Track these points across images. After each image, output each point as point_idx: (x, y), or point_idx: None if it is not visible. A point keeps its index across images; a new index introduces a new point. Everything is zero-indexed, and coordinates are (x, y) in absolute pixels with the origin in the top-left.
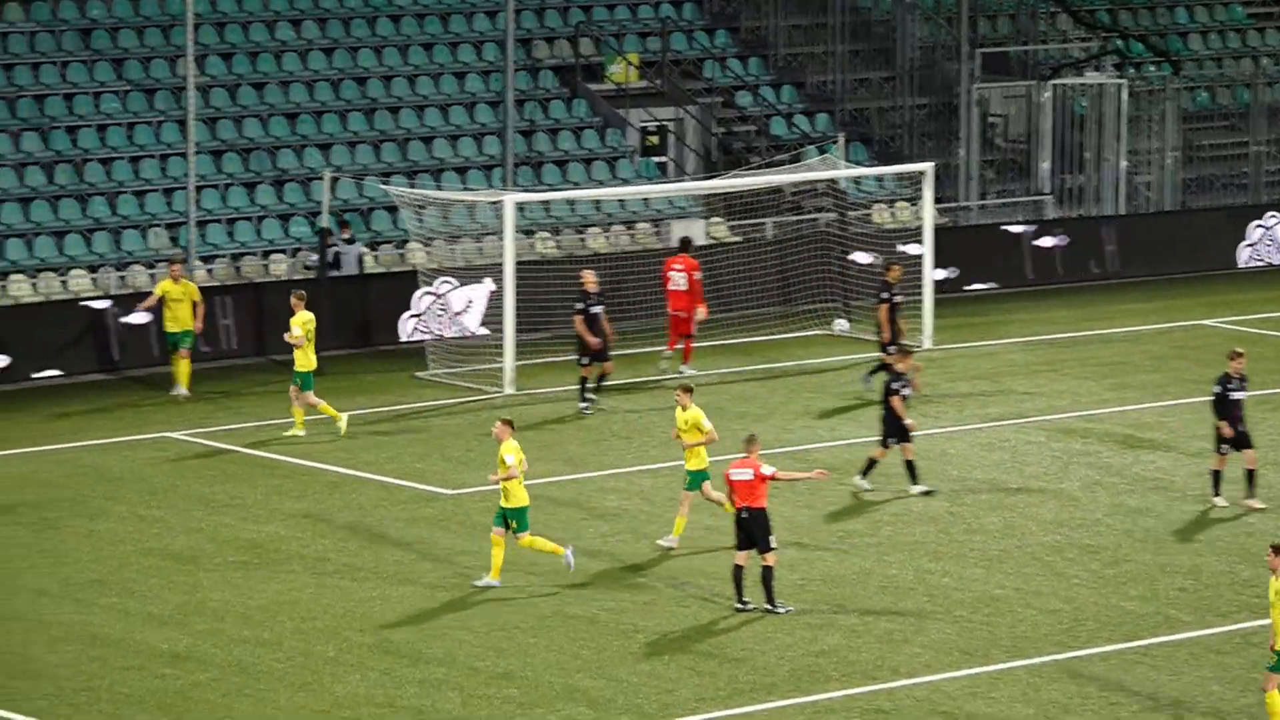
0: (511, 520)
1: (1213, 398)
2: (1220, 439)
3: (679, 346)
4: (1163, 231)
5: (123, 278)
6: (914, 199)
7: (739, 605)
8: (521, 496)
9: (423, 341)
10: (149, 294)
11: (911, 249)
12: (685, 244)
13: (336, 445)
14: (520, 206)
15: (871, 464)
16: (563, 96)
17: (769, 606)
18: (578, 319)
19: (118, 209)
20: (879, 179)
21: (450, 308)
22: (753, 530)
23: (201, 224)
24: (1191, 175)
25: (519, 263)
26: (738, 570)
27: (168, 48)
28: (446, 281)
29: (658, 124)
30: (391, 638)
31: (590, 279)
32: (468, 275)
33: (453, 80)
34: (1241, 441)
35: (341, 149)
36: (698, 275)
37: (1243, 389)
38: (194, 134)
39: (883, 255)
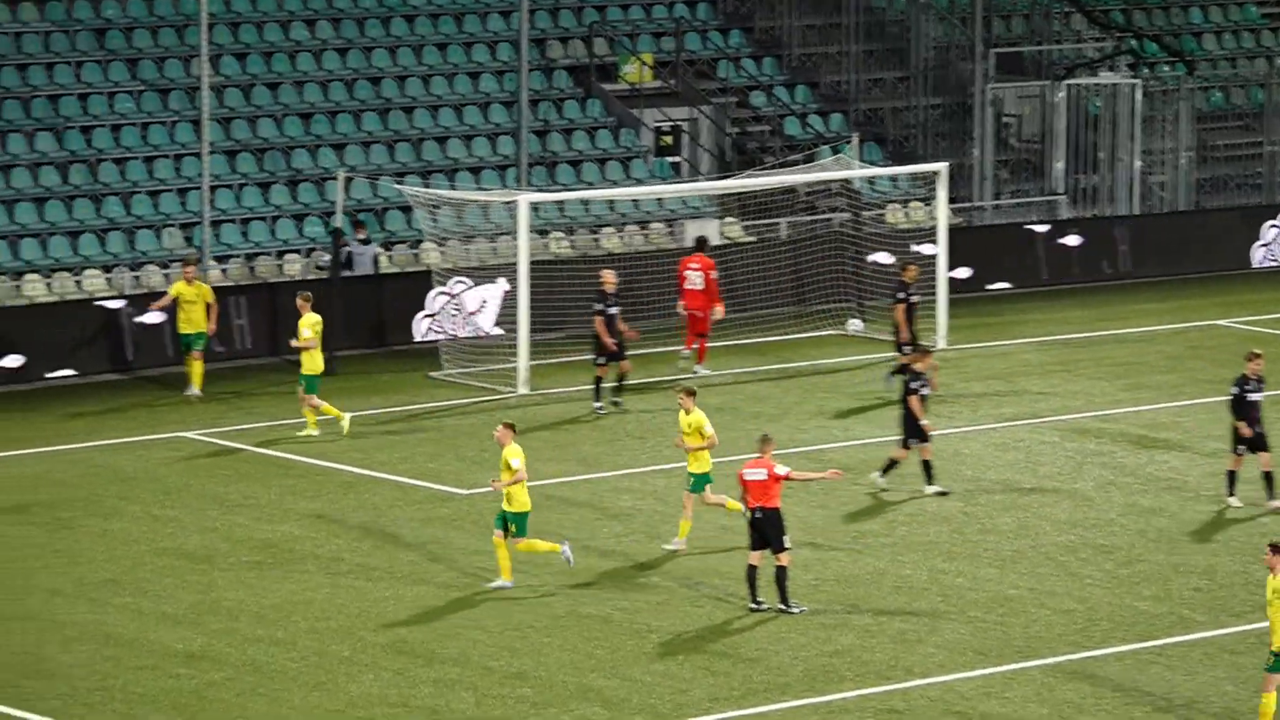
0: (511, 524)
1: (1230, 399)
2: (1238, 439)
3: (695, 346)
4: (1177, 231)
5: (137, 278)
6: (928, 199)
7: (753, 605)
8: (525, 501)
9: (437, 341)
10: (163, 294)
11: (926, 249)
12: (701, 243)
13: (351, 445)
14: (534, 206)
15: (892, 464)
16: (577, 96)
17: (783, 606)
18: (598, 320)
19: (132, 209)
20: (893, 179)
21: (464, 308)
22: (767, 530)
23: (216, 224)
24: (1205, 175)
25: (533, 263)
26: (752, 570)
27: (182, 48)
28: (461, 281)
29: (672, 124)
30: (406, 637)
31: (610, 279)
32: (482, 275)
33: (467, 80)
34: (1258, 443)
35: (356, 149)
36: (714, 274)
37: (1260, 390)
38: (208, 134)
39: (901, 256)
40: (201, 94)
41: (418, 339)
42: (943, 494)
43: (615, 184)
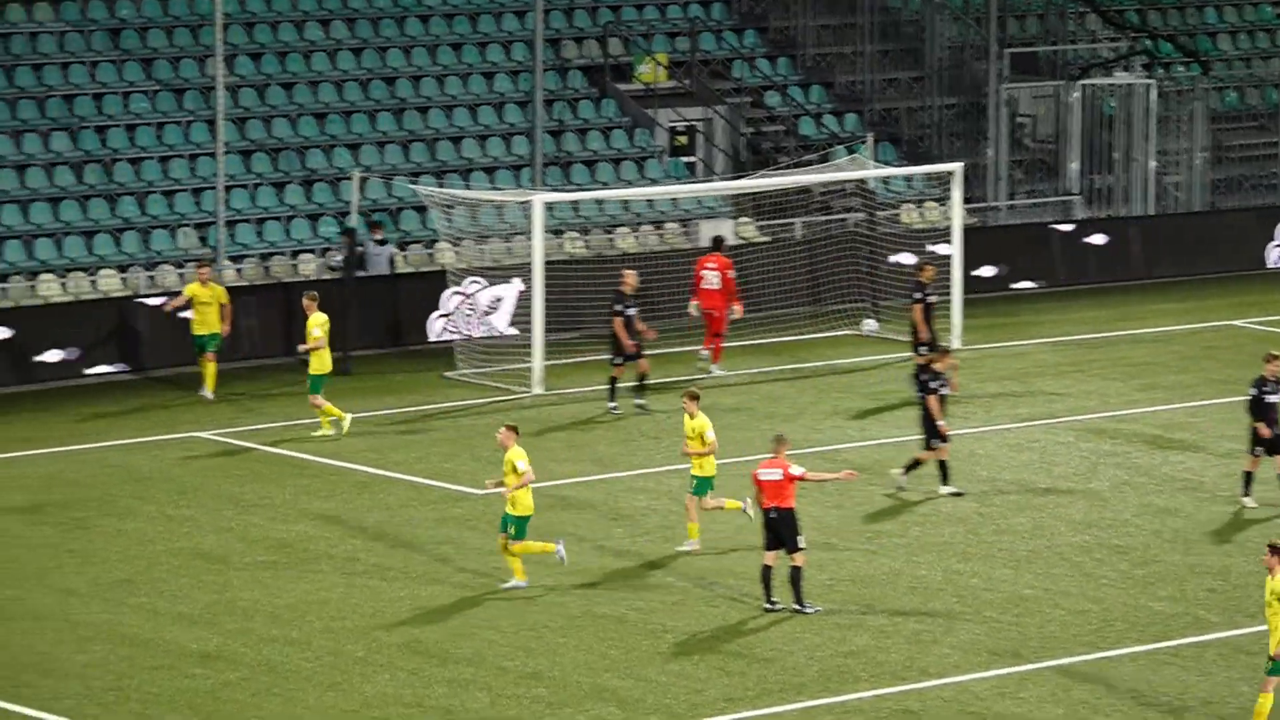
0: (511, 526)
1: (1249, 400)
2: (1256, 440)
3: (711, 346)
4: (1191, 232)
5: (151, 277)
6: (942, 199)
7: (767, 605)
8: (528, 504)
9: (451, 341)
10: (177, 293)
11: (941, 249)
12: (718, 243)
13: (365, 445)
14: (549, 206)
15: (916, 464)
16: (591, 96)
17: (797, 607)
18: (616, 320)
19: (147, 209)
20: (908, 179)
21: (479, 307)
22: (781, 530)
23: (230, 224)
24: (1220, 176)
25: (547, 263)
26: (766, 570)
27: (197, 47)
28: (475, 281)
29: (686, 124)
30: (420, 637)
31: (631, 280)
32: (496, 275)
33: (481, 80)
34: (1276, 445)
35: (370, 149)
36: (731, 274)
37: (1278, 391)
38: (223, 134)
39: (922, 256)
40: (216, 94)
41: (432, 339)
42: (958, 494)
43: (630, 184)
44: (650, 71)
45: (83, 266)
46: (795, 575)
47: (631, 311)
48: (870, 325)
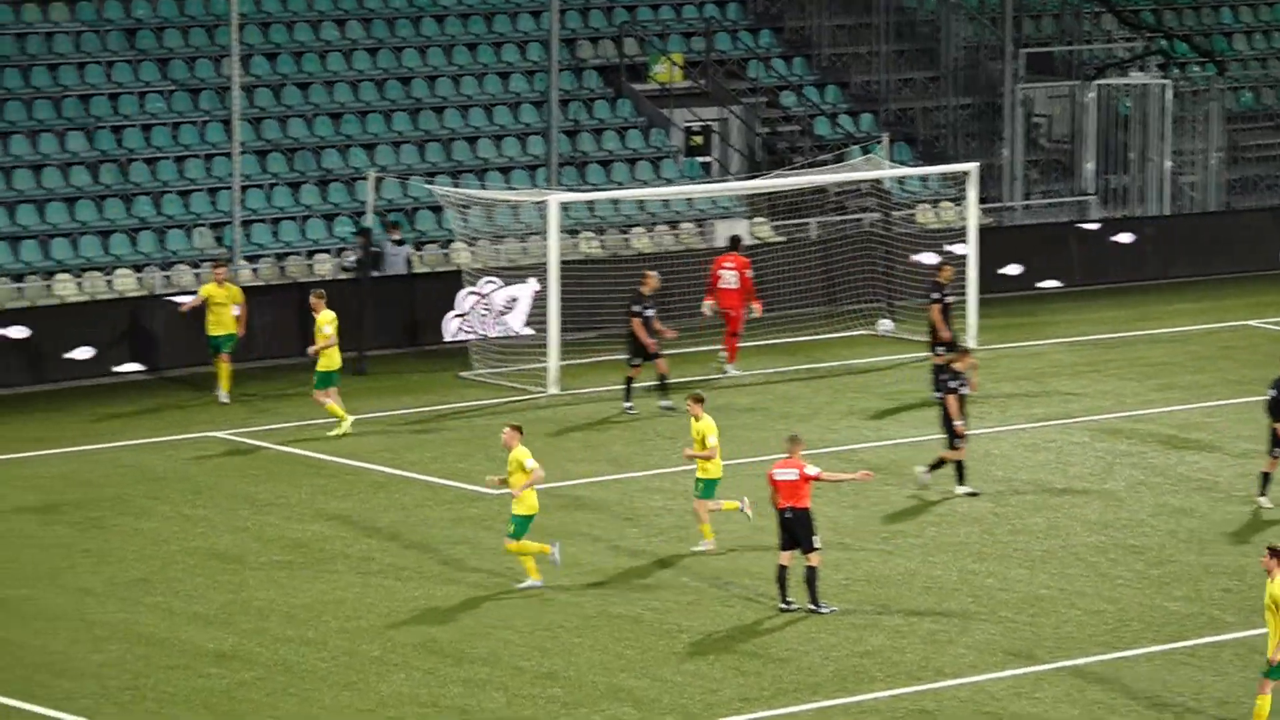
0: (511, 524)
1: (1268, 400)
2: (1276, 441)
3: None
4: (1207, 232)
5: (168, 277)
6: (958, 199)
7: (783, 605)
8: (533, 504)
9: (467, 341)
10: (193, 293)
11: (958, 249)
12: (735, 242)
13: (381, 445)
14: (564, 206)
15: (940, 463)
16: (607, 96)
17: (813, 607)
18: (635, 321)
19: (163, 209)
20: (923, 179)
21: (494, 307)
22: (797, 530)
23: (246, 224)
24: (1236, 176)
25: (563, 262)
26: (782, 570)
27: (212, 47)
28: (491, 281)
29: (702, 124)
30: (436, 637)
31: (652, 282)
32: (512, 275)
33: (497, 80)
34: None
35: (386, 149)
36: (749, 273)
37: None
38: (239, 134)
39: (944, 256)
40: (232, 94)
41: (448, 339)
42: (973, 494)
43: (645, 184)
44: (666, 71)
45: (99, 266)
46: (811, 575)
47: (650, 313)
48: (886, 325)
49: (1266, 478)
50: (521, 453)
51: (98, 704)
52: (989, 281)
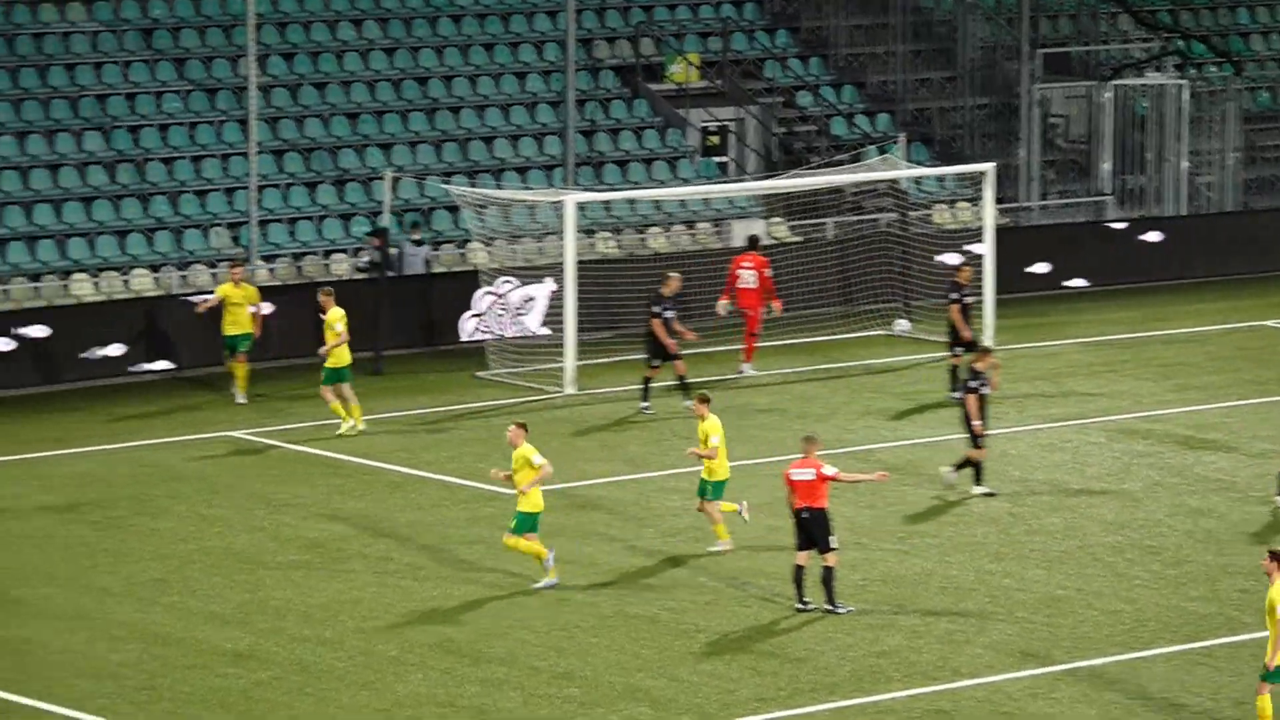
0: (514, 519)
1: None
2: None
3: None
4: (1224, 232)
5: (184, 277)
6: (975, 199)
7: (800, 605)
8: (538, 502)
9: (483, 341)
10: (210, 293)
11: (975, 248)
12: (753, 241)
13: (397, 445)
14: (581, 206)
15: (966, 462)
16: (623, 96)
17: (830, 607)
18: (655, 322)
19: (180, 208)
20: (940, 179)
21: (511, 307)
22: (813, 530)
23: (263, 223)
24: (1253, 176)
25: (580, 262)
26: (798, 570)
27: (230, 47)
28: (507, 281)
29: (718, 124)
30: (453, 637)
31: (674, 283)
32: (529, 275)
33: (514, 80)
34: None
35: (403, 149)
36: (768, 272)
37: None
38: (256, 133)
39: (966, 257)
40: (249, 93)
41: (465, 339)
42: (990, 495)
43: (662, 184)
44: (682, 71)
45: (115, 266)
46: (827, 575)
47: (670, 314)
48: (902, 325)
49: None
50: (528, 450)
51: (115, 703)
52: (1013, 281)
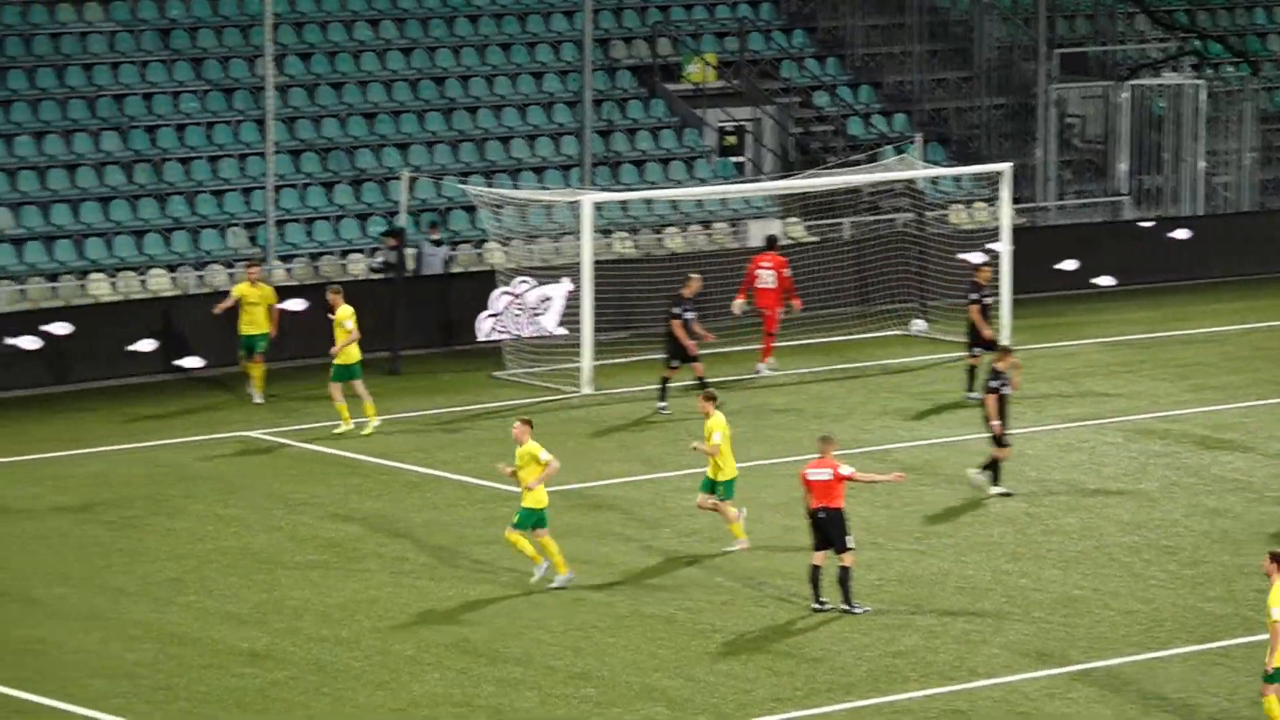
0: (517, 514)
1: None
2: None
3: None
4: (1241, 232)
5: (201, 277)
6: (991, 199)
7: (816, 605)
8: (542, 498)
9: (500, 341)
10: (226, 293)
11: (996, 247)
12: (771, 241)
13: (414, 445)
14: (598, 206)
15: (993, 463)
16: (640, 96)
17: (846, 607)
18: (675, 323)
19: (196, 208)
20: (956, 179)
21: (528, 307)
22: (830, 530)
23: (280, 223)
24: (1270, 176)
25: (596, 262)
26: (815, 570)
27: (246, 48)
28: (524, 281)
29: (735, 124)
30: (469, 637)
31: (695, 285)
32: (545, 275)
33: (530, 80)
34: None
35: (419, 149)
36: (787, 272)
37: None
38: (272, 133)
39: (988, 256)
40: (266, 94)
41: (481, 339)
42: (1007, 495)
43: (679, 184)
44: (699, 71)
45: (133, 266)
46: (844, 575)
47: (690, 315)
48: (919, 325)
49: None
50: (533, 446)
51: (131, 703)
52: (1031, 280)
